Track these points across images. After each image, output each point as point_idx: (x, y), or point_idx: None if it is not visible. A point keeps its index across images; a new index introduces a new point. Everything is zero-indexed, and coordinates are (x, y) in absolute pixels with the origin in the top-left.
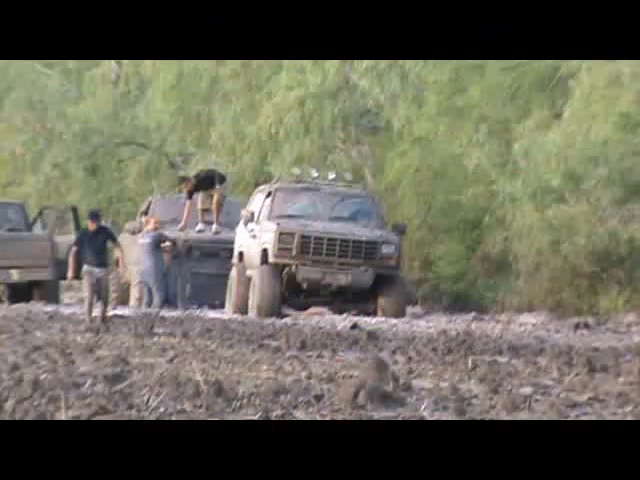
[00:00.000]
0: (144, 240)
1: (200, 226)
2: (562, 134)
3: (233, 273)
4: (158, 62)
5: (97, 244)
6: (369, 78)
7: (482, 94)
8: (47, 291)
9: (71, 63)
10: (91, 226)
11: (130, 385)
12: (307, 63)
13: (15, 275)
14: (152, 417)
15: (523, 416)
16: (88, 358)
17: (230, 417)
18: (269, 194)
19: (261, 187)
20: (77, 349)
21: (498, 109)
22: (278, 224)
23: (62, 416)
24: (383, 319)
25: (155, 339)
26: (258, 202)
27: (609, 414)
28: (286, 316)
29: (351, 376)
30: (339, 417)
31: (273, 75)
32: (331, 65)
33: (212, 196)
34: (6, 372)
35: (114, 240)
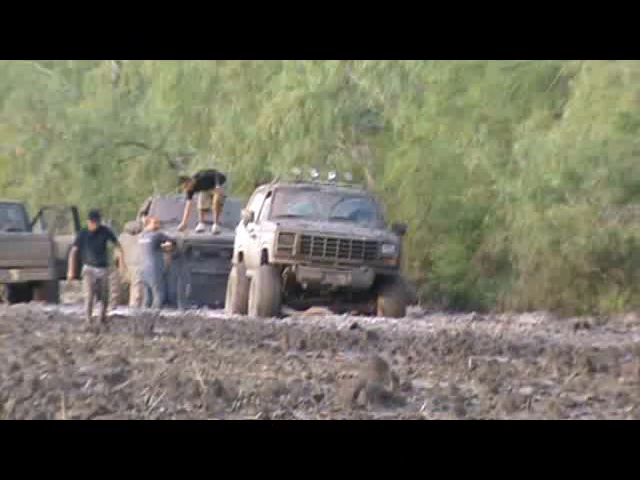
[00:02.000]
0: (144, 240)
1: (200, 226)
2: (562, 134)
3: (233, 273)
4: (158, 62)
5: (97, 244)
6: (369, 78)
7: (482, 94)
8: (47, 291)
9: (71, 63)
10: (91, 226)
11: (130, 385)
12: (307, 63)
13: (15, 275)
14: (152, 417)
15: (523, 416)
16: (88, 358)
17: (230, 417)
18: (269, 194)
19: (261, 187)
20: (77, 349)
21: (498, 109)
22: (278, 224)
23: (62, 416)
24: (383, 319)
25: (155, 339)
26: (258, 202)
27: (609, 414)
28: (286, 316)
29: (351, 376)
30: (339, 417)
31: (273, 75)
32: (331, 65)
33: (212, 196)
34: (6, 372)
35: (114, 240)
